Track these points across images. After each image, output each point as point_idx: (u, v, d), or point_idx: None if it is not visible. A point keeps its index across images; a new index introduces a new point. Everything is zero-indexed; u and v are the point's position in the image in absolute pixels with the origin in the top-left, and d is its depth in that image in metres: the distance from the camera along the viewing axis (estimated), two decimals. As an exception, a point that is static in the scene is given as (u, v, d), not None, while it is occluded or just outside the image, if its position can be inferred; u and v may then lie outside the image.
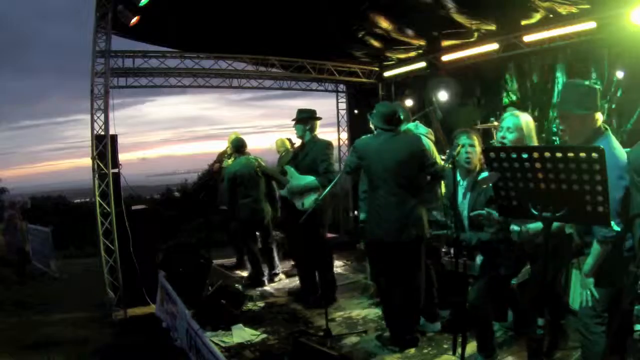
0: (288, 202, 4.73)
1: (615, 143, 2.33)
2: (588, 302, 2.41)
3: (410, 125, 3.96)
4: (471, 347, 3.27)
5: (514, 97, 6.15)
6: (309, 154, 4.57)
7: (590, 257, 2.36)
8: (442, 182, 3.84)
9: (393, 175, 3.37)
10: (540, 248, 2.81)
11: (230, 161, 5.74)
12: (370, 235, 3.55)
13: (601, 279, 2.38)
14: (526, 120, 2.86)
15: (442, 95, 6.68)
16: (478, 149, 3.09)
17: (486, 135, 5.57)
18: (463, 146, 3.05)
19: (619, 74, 4.82)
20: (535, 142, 2.86)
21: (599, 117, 2.36)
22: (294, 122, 4.63)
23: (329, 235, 6.82)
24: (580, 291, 2.48)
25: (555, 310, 3.27)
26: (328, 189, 4.08)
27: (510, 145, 2.79)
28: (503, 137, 2.86)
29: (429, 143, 3.77)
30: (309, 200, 4.36)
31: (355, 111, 8.63)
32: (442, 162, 3.66)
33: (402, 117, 3.86)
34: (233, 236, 6.17)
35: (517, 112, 2.91)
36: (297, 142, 5.06)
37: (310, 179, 4.45)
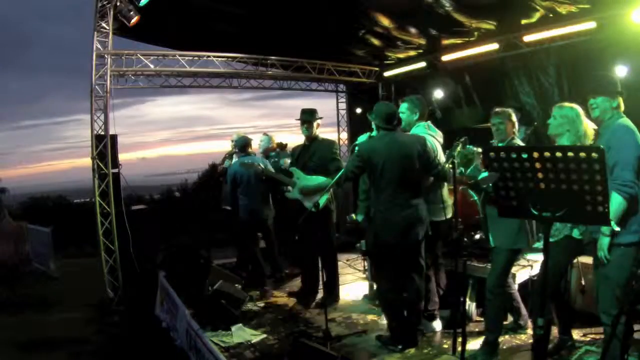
0: (291, 202, 4.71)
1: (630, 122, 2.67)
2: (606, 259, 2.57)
3: (422, 125, 3.91)
4: (471, 347, 3.28)
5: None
6: (315, 154, 4.54)
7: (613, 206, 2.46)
8: (446, 183, 3.82)
9: (398, 177, 3.36)
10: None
11: (232, 161, 5.70)
12: (375, 236, 3.54)
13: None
14: (570, 109, 2.99)
15: (442, 95, 6.68)
16: (506, 123, 3.27)
17: (486, 135, 5.56)
18: (494, 125, 3.32)
19: (619, 74, 4.82)
20: (576, 127, 2.94)
21: (621, 102, 2.72)
22: (300, 122, 4.59)
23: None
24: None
25: (559, 309, 3.28)
26: (328, 188, 4.07)
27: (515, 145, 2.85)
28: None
29: (435, 145, 3.74)
30: (322, 200, 4.29)
31: (358, 111, 8.62)
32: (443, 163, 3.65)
33: (418, 112, 3.85)
34: (235, 236, 6.15)
35: (563, 104, 3.04)
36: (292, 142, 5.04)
37: (322, 179, 4.41)
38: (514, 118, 3.35)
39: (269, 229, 5.45)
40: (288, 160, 5.14)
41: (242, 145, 5.35)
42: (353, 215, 4.65)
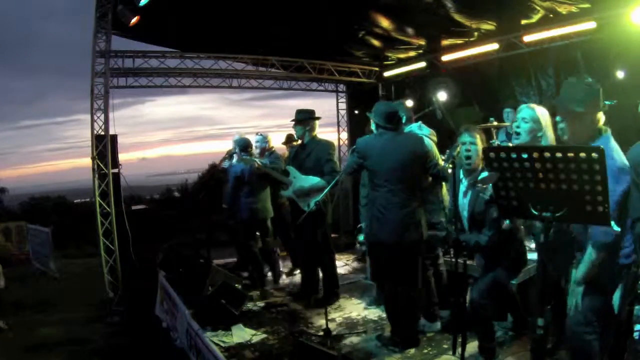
0: (291, 203, 4.72)
1: (614, 145, 2.25)
2: (577, 307, 2.34)
3: (414, 126, 3.94)
4: (471, 347, 3.27)
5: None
6: (311, 154, 4.55)
7: (583, 264, 2.29)
8: (444, 183, 3.83)
9: (395, 176, 3.36)
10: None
11: (232, 162, 5.69)
12: (372, 236, 3.54)
13: (592, 287, 2.31)
14: (542, 112, 2.83)
15: (442, 96, 6.68)
16: (480, 146, 3.06)
17: (486, 136, 5.56)
18: (464, 144, 3.05)
19: (619, 74, 4.82)
20: (551, 134, 2.78)
21: (601, 117, 2.28)
22: (293, 123, 4.63)
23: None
24: (570, 299, 2.41)
25: (559, 308, 3.27)
26: (327, 189, 4.07)
27: (515, 145, 2.80)
28: (517, 127, 2.83)
29: (431, 144, 3.75)
30: (313, 201, 4.32)
31: (356, 112, 8.63)
32: (443, 163, 3.65)
33: (404, 116, 3.85)
34: (234, 236, 6.13)
35: (533, 105, 2.88)
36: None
37: (316, 180, 4.42)
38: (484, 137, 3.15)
39: (268, 229, 5.45)
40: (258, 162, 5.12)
41: (244, 145, 5.35)
42: (359, 238, 4.68)
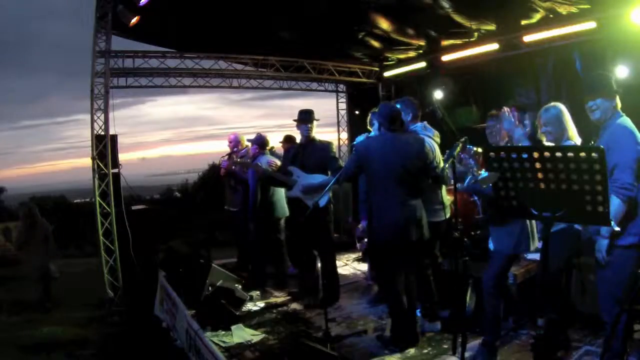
0: (292, 202, 4.71)
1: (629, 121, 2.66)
2: (604, 259, 2.57)
3: (419, 126, 3.92)
4: (471, 347, 3.27)
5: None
6: (313, 154, 4.55)
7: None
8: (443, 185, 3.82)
9: (395, 176, 3.35)
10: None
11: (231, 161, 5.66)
12: (372, 236, 3.54)
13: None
14: (558, 110, 2.94)
15: (442, 95, 6.68)
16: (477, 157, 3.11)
17: (486, 136, 5.56)
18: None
19: (619, 74, 4.82)
20: (569, 129, 2.91)
21: (618, 100, 2.71)
22: (297, 123, 4.61)
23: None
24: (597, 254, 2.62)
25: (556, 309, 3.27)
26: (328, 188, 4.07)
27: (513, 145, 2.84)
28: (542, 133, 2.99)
29: (434, 145, 3.75)
30: (324, 199, 4.28)
31: (357, 112, 8.63)
32: (443, 163, 3.64)
33: (410, 114, 3.85)
34: (238, 236, 6.08)
35: (550, 105, 2.98)
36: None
37: (323, 178, 4.41)
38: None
39: (279, 228, 5.41)
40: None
41: (262, 143, 5.33)
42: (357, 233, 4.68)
